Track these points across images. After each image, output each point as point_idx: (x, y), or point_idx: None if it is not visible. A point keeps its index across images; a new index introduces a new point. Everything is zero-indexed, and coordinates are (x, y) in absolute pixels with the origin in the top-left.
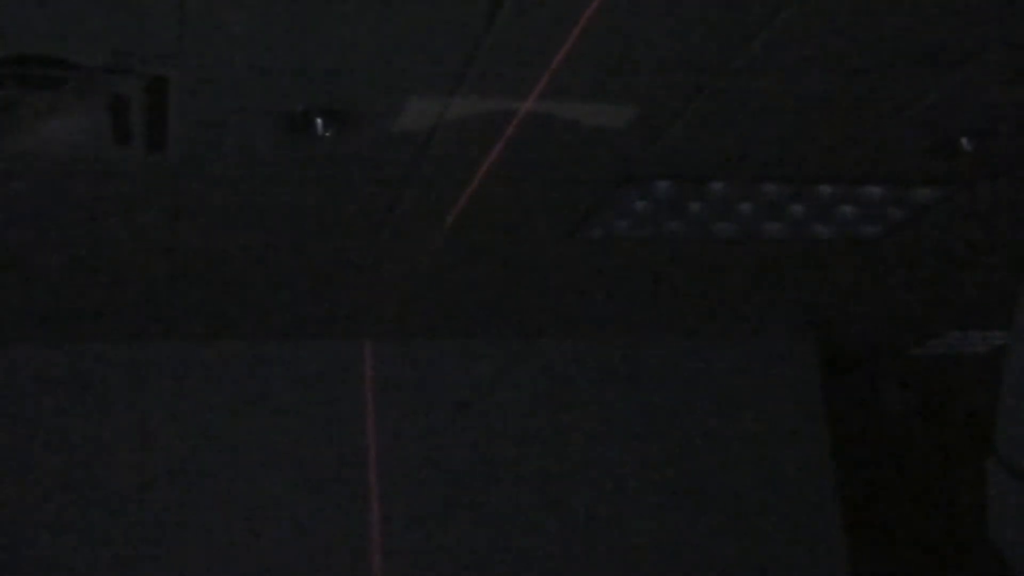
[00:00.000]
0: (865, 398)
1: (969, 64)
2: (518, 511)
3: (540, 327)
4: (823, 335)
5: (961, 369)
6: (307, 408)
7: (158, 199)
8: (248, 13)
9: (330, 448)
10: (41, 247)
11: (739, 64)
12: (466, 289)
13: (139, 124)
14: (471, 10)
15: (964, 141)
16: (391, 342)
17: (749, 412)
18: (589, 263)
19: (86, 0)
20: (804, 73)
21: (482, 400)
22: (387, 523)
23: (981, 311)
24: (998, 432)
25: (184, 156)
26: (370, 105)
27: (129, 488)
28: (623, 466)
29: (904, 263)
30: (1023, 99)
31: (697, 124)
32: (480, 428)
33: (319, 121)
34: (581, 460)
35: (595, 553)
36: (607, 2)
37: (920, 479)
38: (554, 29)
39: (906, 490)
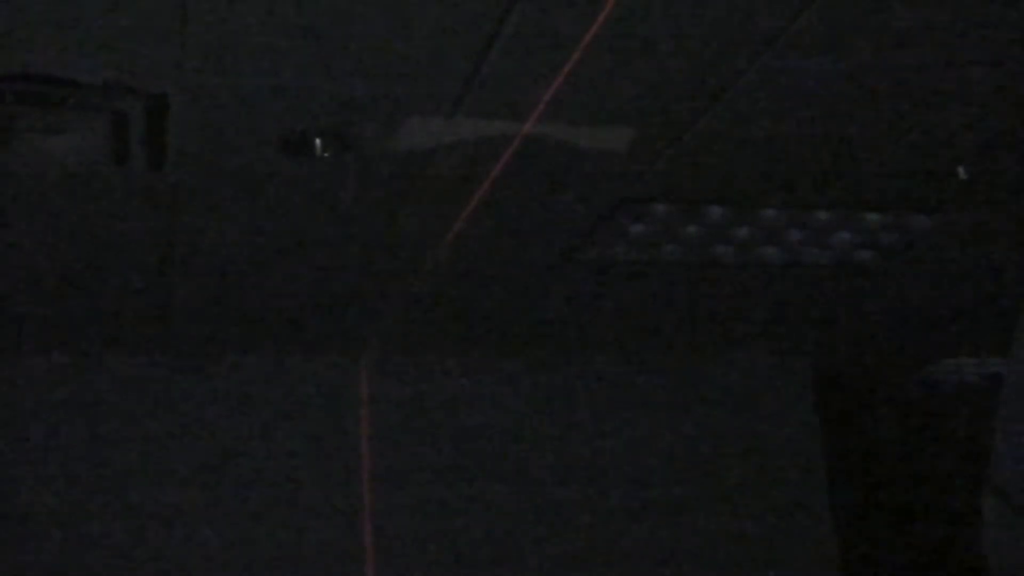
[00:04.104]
0: (860, 424)
1: (967, 92)
2: (516, 531)
3: (537, 348)
4: (818, 360)
5: (957, 396)
6: (302, 426)
7: (155, 216)
8: (248, 34)
9: (325, 467)
10: (38, 261)
11: (738, 88)
12: (463, 309)
13: (138, 143)
14: (471, 32)
15: (961, 169)
16: (387, 361)
17: (743, 436)
18: (585, 285)
19: (87, 17)
20: (803, 98)
21: (479, 420)
22: (381, 542)
23: (977, 338)
24: (994, 463)
25: (182, 175)
26: (369, 126)
27: (124, 499)
28: (619, 487)
29: (900, 290)
30: (1020, 127)
31: (695, 148)
32: (477, 448)
33: (318, 141)
34: (577, 480)
35: (588, 568)
36: (607, 26)
37: (914, 505)
38: (553, 52)
39: (900, 516)
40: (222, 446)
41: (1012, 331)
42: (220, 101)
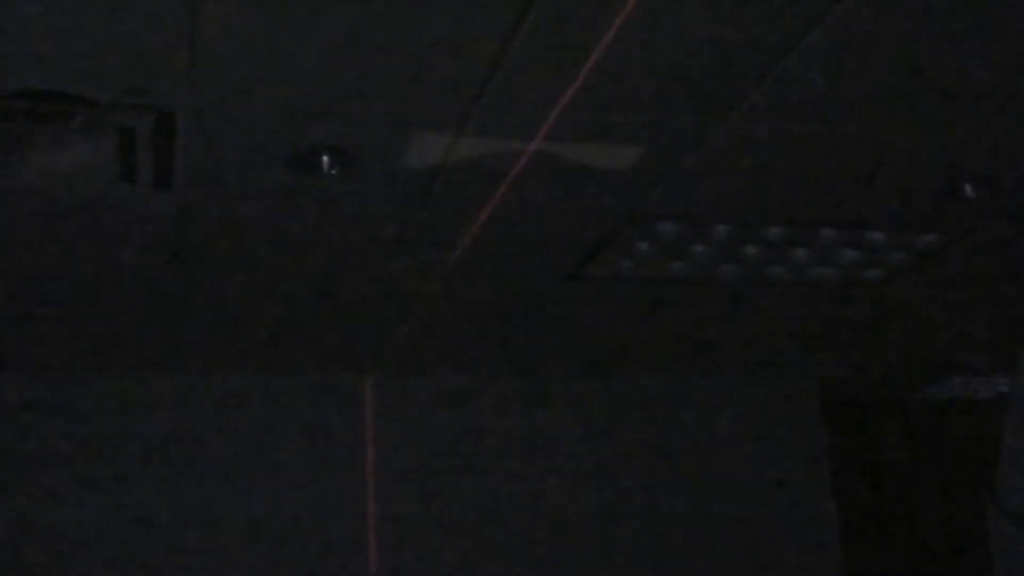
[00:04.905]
0: (866, 442)
1: (973, 111)
2: (517, 545)
3: (542, 365)
4: (825, 378)
5: (962, 414)
6: (307, 442)
7: (161, 233)
8: (255, 51)
9: (330, 482)
10: (43, 280)
11: (744, 107)
12: (468, 326)
13: (145, 161)
14: (479, 50)
15: (967, 187)
16: (392, 377)
17: (749, 453)
18: (592, 302)
19: (95, 36)
20: (808, 117)
21: (483, 435)
22: (386, 558)
23: (982, 357)
24: (999, 481)
25: (189, 193)
26: (376, 144)
27: (126, 517)
28: (622, 501)
29: (906, 308)
30: None
31: (702, 166)
32: (480, 464)
33: (325, 159)
34: (581, 494)
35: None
36: (614, 44)
37: (920, 523)
38: (561, 70)
39: (905, 529)
40: (227, 456)
41: (1016, 349)
42: (228, 118)
